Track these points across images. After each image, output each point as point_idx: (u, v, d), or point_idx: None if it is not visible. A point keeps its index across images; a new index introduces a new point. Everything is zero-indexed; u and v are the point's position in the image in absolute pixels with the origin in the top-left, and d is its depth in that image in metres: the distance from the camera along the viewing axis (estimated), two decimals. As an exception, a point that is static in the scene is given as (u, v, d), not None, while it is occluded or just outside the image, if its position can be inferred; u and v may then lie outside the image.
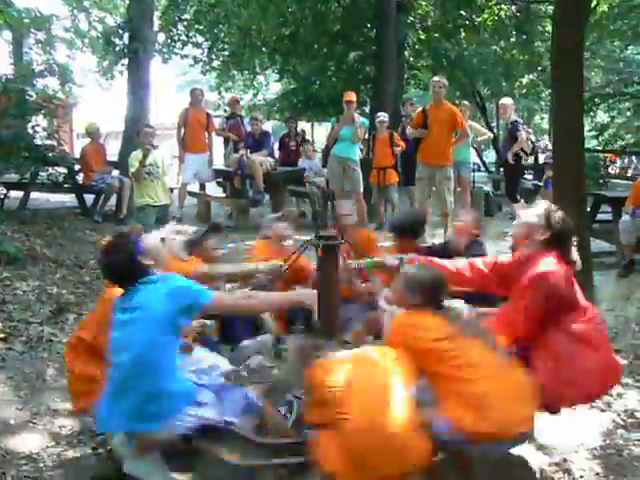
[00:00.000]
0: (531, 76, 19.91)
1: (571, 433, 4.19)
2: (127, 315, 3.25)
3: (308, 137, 13.75)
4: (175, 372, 3.29)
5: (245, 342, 4.58)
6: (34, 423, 4.42)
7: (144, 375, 3.16)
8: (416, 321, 3.42)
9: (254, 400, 3.47)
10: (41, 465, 3.94)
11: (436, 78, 9.26)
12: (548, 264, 3.57)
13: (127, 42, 11.32)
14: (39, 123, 9.84)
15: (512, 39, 18.81)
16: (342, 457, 2.96)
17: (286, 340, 4.69)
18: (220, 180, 12.19)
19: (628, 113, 19.59)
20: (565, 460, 4.01)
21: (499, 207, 12.32)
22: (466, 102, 12.12)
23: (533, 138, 11.51)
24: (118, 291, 3.51)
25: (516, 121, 10.60)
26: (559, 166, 6.45)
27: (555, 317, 3.58)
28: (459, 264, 4.12)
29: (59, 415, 4.53)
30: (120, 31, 11.59)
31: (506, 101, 10.99)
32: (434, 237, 9.43)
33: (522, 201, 10.17)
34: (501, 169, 16.01)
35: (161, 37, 15.88)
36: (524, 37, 18.46)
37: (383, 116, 10.56)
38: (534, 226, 3.72)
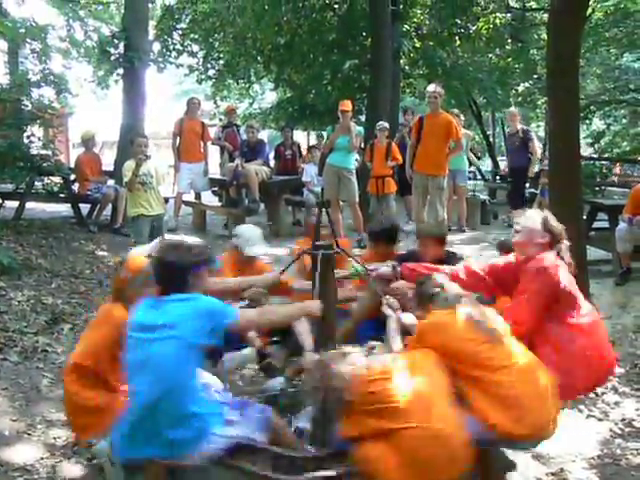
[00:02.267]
0: (527, 84, 19.92)
1: (568, 442, 4.16)
2: (148, 334, 3.12)
3: (303, 147, 13.67)
4: (201, 393, 3.24)
5: (228, 356, 4.49)
6: (29, 434, 4.40)
7: (172, 398, 3.07)
8: (448, 321, 3.43)
9: (270, 416, 3.43)
10: (35, 477, 3.92)
11: (432, 87, 9.26)
12: (549, 259, 3.80)
13: (122, 51, 11.28)
14: (34, 133, 9.82)
15: (507, 47, 18.85)
16: (402, 467, 2.92)
17: (271, 353, 4.70)
18: (215, 189, 12.19)
19: (624, 120, 19.63)
20: (562, 470, 4.00)
21: (495, 215, 12.32)
22: (456, 110, 12.11)
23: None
24: (122, 312, 3.48)
25: (528, 129, 10.64)
26: (555, 174, 6.43)
27: (556, 310, 3.77)
28: (455, 268, 4.22)
29: (54, 426, 4.51)
30: (115, 40, 11.55)
31: (514, 110, 11.05)
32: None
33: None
34: (498, 177, 16.14)
35: (156, 46, 15.90)
36: (519, 45, 18.52)
37: (383, 124, 10.54)
38: (535, 231, 3.91)
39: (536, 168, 10.67)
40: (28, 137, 9.62)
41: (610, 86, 17.22)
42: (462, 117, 12.23)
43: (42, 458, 4.12)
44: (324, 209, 4.21)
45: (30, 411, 4.69)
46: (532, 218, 3.99)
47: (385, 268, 4.46)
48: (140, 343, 3.15)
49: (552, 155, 6.60)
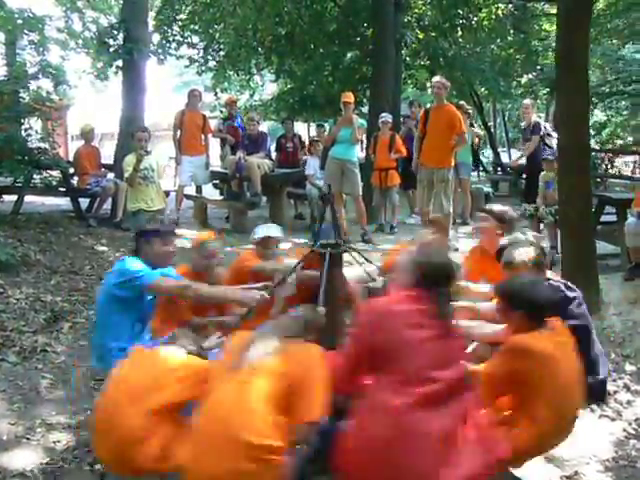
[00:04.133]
0: (530, 75, 19.78)
1: (582, 444, 4.06)
2: None
3: (304, 139, 13.51)
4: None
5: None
6: (28, 438, 4.27)
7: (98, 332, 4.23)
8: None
9: None
10: (35, 484, 3.80)
11: (437, 78, 9.14)
12: None
13: (121, 43, 11.12)
14: (32, 126, 9.67)
15: (509, 38, 18.71)
16: None
17: None
18: (217, 182, 12.08)
19: (626, 112, 19.49)
20: (577, 473, 3.91)
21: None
22: (464, 102, 11.97)
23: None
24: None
25: (537, 123, 10.46)
26: (563, 167, 6.33)
27: None
28: None
29: (54, 429, 4.39)
30: (114, 32, 11.38)
31: (527, 102, 10.88)
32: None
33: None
34: (499, 169, 16.00)
35: (156, 38, 15.72)
36: (521, 36, 18.38)
37: (386, 116, 10.41)
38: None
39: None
40: (26, 130, 9.47)
41: (612, 77, 17.06)
42: (470, 109, 12.05)
43: (42, 463, 4.00)
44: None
45: (29, 414, 4.56)
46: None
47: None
48: None
49: (560, 148, 6.48)
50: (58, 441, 4.25)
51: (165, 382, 3.17)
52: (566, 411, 3.26)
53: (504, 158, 19.45)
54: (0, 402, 4.69)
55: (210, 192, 12.22)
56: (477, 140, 12.18)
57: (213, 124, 11.91)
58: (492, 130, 22.79)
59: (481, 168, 16.32)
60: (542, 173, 8.74)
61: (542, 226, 8.52)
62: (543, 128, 10.30)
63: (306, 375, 2.98)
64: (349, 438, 2.86)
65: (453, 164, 9.15)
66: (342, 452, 2.86)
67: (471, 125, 11.91)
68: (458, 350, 3.12)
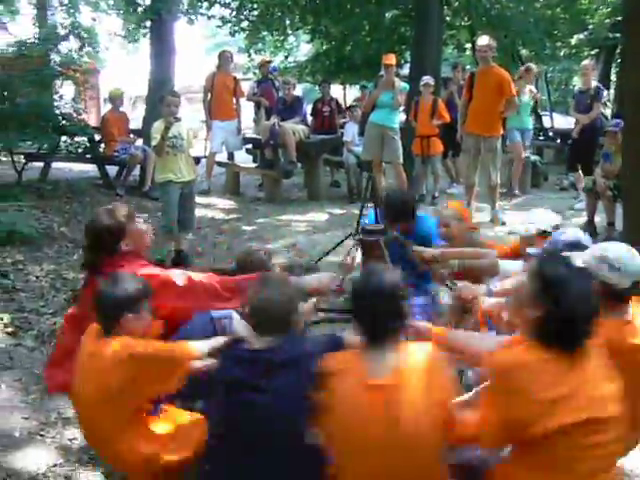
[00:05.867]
0: (581, 36, 18.87)
1: None
2: None
3: (341, 103, 12.94)
4: None
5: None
6: (42, 435, 3.93)
7: None
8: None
9: None
10: (47, 489, 3.45)
11: (483, 40, 8.47)
12: None
13: (150, 3, 10.65)
14: (59, 91, 9.30)
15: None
16: None
17: None
18: (249, 148, 11.66)
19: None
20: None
21: (545, 177, 11.56)
22: (532, 65, 11.15)
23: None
24: None
25: (599, 87, 9.72)
26: (630, 134, 5.74)
27: None
28: None
29: (70, 424, 4.03)
30: (142, -9, 10.94)
31: (588, 63, 10.12)
32: (481, 211, 8.86)
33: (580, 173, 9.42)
34: (542, 135, 15.03)
35: (187, -3, 15.21)
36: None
37: (428, 79, 9.79)
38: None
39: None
40: (58, 95, 9.12)
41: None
42: (535, 69, 11.08)
43: (55, 465, 3.66)
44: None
45: (45, 406, 4.20)
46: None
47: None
48: None
49: (627, 115, 5.89)
50: (74, 438, 3.90)
51: None
52: None
53: (546, 122, 18.65)
54: (15, 393, 4.34)
55: (243, 158, 11.78)
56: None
57: (246, 87, 11.44)
58: (539, 95, 21.91)
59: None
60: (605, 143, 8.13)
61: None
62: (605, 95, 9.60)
63: None
64: None
65: (502, 132, 8.57)
66: None
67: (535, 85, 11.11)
68: None
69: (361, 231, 3.59)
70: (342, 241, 4.00)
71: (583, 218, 8.07)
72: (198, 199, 8.09)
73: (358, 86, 15.28)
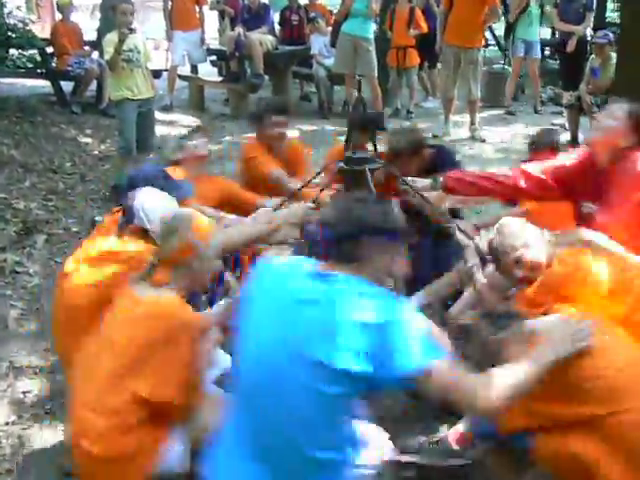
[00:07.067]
0: None
1: None
2: None
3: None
4: None
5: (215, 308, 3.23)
6: (-10, 389, 3.58)
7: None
8: None
9: None
10: (-3, 452, 3.13)
11: None
12: None
13: None
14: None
15: None
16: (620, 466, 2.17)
17: None
18: (214, 60, 11.05)
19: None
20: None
21: (522, 90, 11.12)
22: None
23: None
24: None
25: None
26: (625, 50, 5.38)
27: None
28: (510, 173, 3.47)
29: (23, 374, 3.72)
30: None
31: None
32: (460, 126, 8.54)
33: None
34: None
35: None
36: None
37: (405, -15, 9.26)
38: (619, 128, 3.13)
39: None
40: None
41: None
42: None
43: (7, 423, 3.34)
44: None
45: (-7, 355, 3.85)
46: (615, 113, 3.19)
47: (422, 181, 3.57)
48: None
49: (625, 30, 5.51)
50: (28, 391, 3.58)
51: None
52: None
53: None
54: (-40, 340, 3.97)
55: (207, 71, 11.17)
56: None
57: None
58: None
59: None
60: (591, 57, 7.71)
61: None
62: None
63: None
64: None
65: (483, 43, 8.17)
66: None
67: None
68: None
69: (345, 160, 3.18)
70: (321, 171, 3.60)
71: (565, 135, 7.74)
72: (159, 116, 7.62)
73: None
